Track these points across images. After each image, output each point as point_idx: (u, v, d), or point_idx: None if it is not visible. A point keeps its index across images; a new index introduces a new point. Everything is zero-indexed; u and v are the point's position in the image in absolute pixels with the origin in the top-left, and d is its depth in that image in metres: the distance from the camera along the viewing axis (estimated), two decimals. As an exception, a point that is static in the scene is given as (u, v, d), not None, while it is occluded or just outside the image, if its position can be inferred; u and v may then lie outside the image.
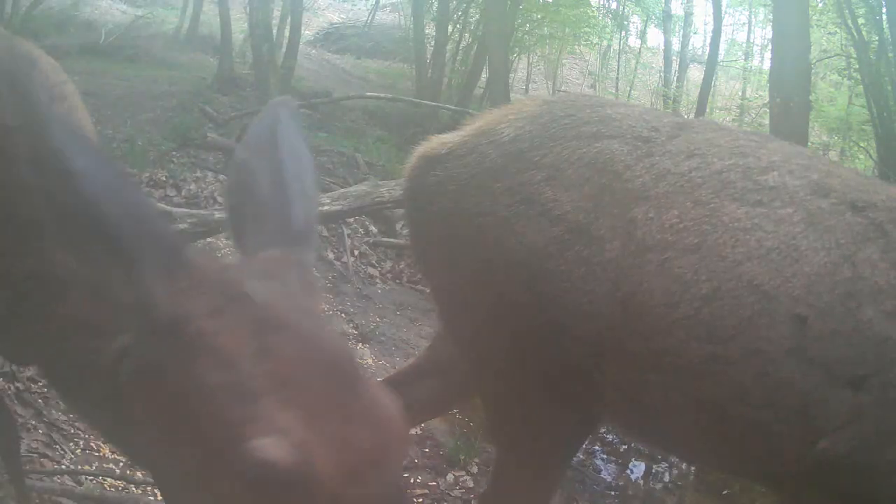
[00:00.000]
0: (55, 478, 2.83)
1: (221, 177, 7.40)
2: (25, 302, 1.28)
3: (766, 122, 9.96)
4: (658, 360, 1.71)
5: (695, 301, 1.66)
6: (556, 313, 1.76)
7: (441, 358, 2.34)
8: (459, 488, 3.52)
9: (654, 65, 21.89)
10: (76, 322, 1.19)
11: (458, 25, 13.64)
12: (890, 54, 8.28)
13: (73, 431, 3.14)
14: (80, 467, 2.94)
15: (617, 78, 19.53)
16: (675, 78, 19.08)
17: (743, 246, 1.68)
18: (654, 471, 4.20)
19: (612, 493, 3.84)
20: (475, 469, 3.67)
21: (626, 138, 1.81)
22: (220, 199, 6.76)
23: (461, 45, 13.78)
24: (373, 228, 7.39)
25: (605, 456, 4.28)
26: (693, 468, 4.21)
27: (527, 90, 17.91)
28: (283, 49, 12.37)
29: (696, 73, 19.26)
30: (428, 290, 2.19)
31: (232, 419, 0.80)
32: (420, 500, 3.39)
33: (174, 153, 8.08)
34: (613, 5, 20.99)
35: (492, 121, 1.99)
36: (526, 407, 1.90)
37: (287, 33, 12.81)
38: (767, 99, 8.97)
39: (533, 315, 1.79)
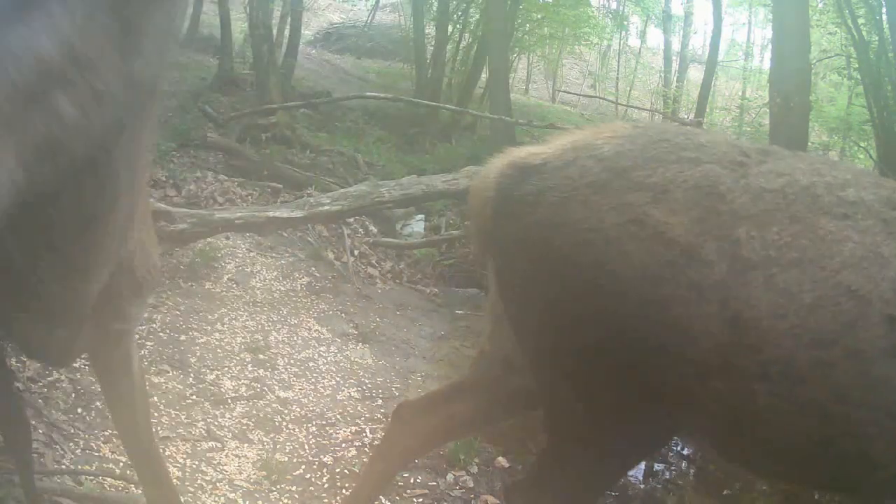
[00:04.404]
0: (55, 478, 2.84)
1: (221, 177, 7.41)
2: None
3: (766, 122, 9.97)
4: (766, 370, 1.79)
5: (801, 311, 1.76)
6: (663, 335, 1.79)
7: (484, 376, 2.35)
8: (459, 488, 3.52)
9: (654, 65, 21.90)
10: None
11: (458, 25, 13.64)
12: (890, 54, 8.28)
13: (73, 431, 3.15)
14: (80, 467, 2.95)
15: (617, 78, 19.54)
16: (675, 78, 19.09)
17: (838, 256, 1.79)
18: (654, 471, 4.20)
19: (612, 493, 3.84)
20: (475, 469, 3.67)
21: (724, 163, 1.89)
22: (219, 199, 6.76)
23: (461, 45, 13.78)
24: (373, 228, 7.39)
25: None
26: (692, 468, 4.22)
27: (527, 90, 17.93)
28: (283, 49, 12.36)
29: (696, 73, 19.28)
30: (504, 300, 2.13)
31: None
32: (420, 500, 3.39)
33: (174, 153, 8.07)
34: (613, 5, 21.03)
35: (586, 137, 2.01)
36: (607, 423, 1.93)
37: (287, 33, 12.80)
38: (767, 99, 8.97)
39: (637, 335, 1.81)
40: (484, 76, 12.89)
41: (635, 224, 1.80)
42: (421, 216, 8.12)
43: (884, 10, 8.44)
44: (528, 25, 13.82)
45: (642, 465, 4.26)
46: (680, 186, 1.83)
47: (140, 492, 2.92)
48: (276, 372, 4.26)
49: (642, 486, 4.03)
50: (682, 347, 1.78)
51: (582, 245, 1.84)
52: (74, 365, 3.63)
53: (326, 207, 5.83)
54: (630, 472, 4.14)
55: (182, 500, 2.95)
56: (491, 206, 2.03)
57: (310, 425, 3.80)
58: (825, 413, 1.79)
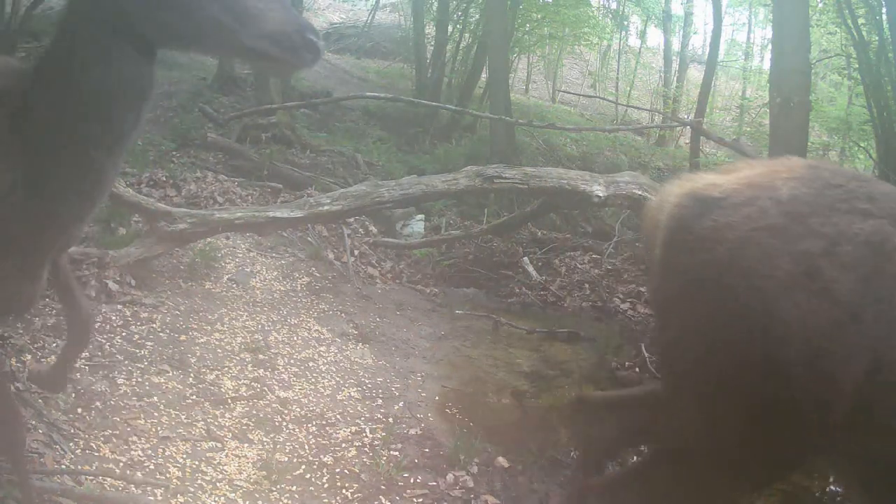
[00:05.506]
0: (55, 478, 2.84)
1: (221, 177, 7.41)
2: None
3: (766, 122, 9.97)
4: None
5: None
6: (819, 388, 1.80)
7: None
8: (459, 488, 3.51)
9: (654, 65, 21.89)
10: None
11: (458, 25, 13.63)
12: (890, 54, 8.28)
13: (73, 431, 3.15)
14: (80, 467, 2.95)
15: (617, 78, 19.52)
16: (675, 78, 19.08)
17: None
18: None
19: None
20: (475, 469, 3.66)
21: (893, 218, 1.87)
22: (219, 199, 6.76)
23: (461, 45, 13.77)
24: (373, 228, 7.39)
25: (605, 456, 4.29)
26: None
27: (527, 90, 17.92)
28: (283, 49, 12.33)
29: (696, 73, 19.26)
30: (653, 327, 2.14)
31: None
32: (420, 500, 3.39)
33: (174, 153, 8.07)
34: (613, 5, 21.01)
35: (763, 175, 2.00)
36: (730, 459, 1.96)
37: (287, 33, 12.77)
38: (767, 99, 8.97)
39: (792, 383, 1.82)
40: (484, 76, 12.88)
41: (807, 276, 1.80)
42: (421, 216, 8.12)
43: (884, 10, 8.45)
44: (528, 25, 13.81)
45: (642, 465, 4.26)
46: (851, 240, 1.82)
47: (140, 492, 2.93)
48: (276, 372, 4.26)
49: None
50: (834, 401, 1.80)
51: (755, 290, 1.83)
52: (74, 365, 3.63)
53: (326, 207, 5.82)
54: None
55: (182, 500, 2.97)
56: (664, 235, 2.02)
57: (310, 425, 3.80)
58: None
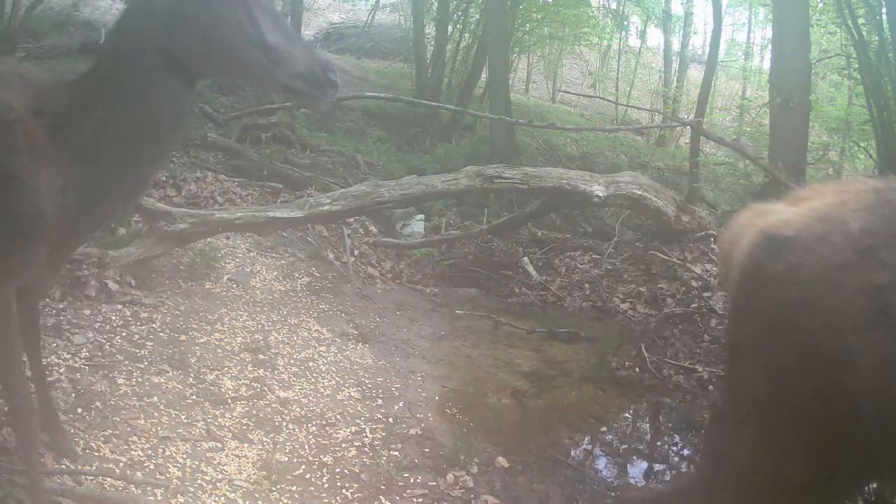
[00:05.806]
0: (55, 478, 2.84)
1: (221, 177, 7.41)
2: None
3: (766, 122, 9.97)
4: None
5: None
6: (890, 421, 1.80)
7: None
8: (459, 488, 3.51)
9: (654, 65, 21.89)
10: None
11: (458, 25, 13.63)
12: (890, 54, 8.28)
13: (73, 431, 3.14)
14: (80, 467, 2.95)
15: (617, 78, 19.52)
16: (675, 78, 19.07)
17: None
18: (654, 471, 4.20)
19: (612, 493, 3.84)
20: (475, 469, 3.66)
21: None
22: (219, 199, 6.76)
23: (461, 45, 13.76)
24: (373, 228, 7.39)
25: (605, 456, 4.28)
26: (692, 467, 4.21)
27: (527, 90, 17.92)
28: (283, 49, 12.31)
29: (696, 73, 19.26)
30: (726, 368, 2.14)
31: None
32: (420, 500, 3.39)
33: (174, 153, 8.06)
34: (613, 5, 21.01)
35: (832, 206, 1.99)
36: (793, 489, 1.96)
37: (287, 33, 12.76)
38: (767, 99, 8.97)
39: (866, 421, 1.82)
40: (484, 76, 12.87)
41: (879, 312, 1.79)
42: (421, 216, 8.12)
43: (884, 10, 8.44)
44: (528, 25, 13.79)
45: (643, 466, 4.26)
46: None
47: (140, 492, 2.93)
48: (276, 372, 4.26)
49: (642, 487, 4.03)
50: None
51: (830, 330, 1.83)
52: (74, 365, 3.63)
53: (326, 207, 5.83)
54: (630, 473, 4.14)
55: (182, 500, 2.97)
56: (738, 275, 2.03)
57: (310, 425, 3.80)
58: None
